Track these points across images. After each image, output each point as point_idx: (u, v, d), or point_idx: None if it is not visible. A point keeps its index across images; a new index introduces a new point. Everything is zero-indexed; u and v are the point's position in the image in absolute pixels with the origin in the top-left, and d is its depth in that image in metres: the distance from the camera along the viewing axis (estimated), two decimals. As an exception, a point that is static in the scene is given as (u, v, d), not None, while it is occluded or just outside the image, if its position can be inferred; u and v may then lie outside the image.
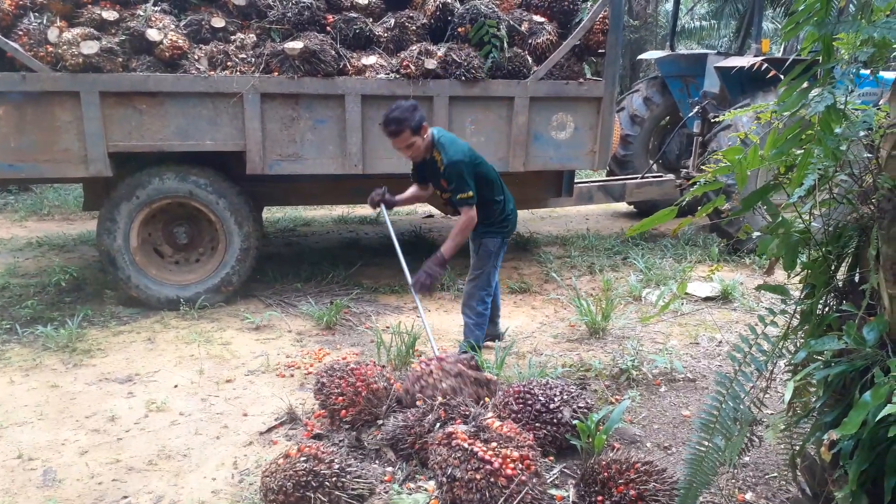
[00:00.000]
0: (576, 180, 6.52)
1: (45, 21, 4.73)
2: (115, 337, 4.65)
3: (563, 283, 5.83)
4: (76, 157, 4.75)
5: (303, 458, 2.74)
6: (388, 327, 4.78)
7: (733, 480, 3.06)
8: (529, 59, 5.47)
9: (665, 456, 3.29)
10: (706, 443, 2.33)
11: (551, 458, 3.20)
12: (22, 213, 8.04)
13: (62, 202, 8.48)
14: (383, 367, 3.86)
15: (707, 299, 5.58)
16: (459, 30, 5.33)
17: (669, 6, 15.72)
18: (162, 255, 5.35)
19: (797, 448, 2.31)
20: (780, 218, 2.13)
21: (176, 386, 3.99)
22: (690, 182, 7.13)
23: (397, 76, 5.12)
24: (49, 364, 4.21)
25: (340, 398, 3.41)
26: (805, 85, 2.01)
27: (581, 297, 5.05)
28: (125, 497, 2.93)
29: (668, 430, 3.55)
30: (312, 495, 2.64)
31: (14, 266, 6.05)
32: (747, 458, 3.20)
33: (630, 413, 3.68)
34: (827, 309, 2.17)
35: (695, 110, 7.30)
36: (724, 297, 5.57)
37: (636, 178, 7.76)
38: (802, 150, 2.06)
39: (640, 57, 11.91)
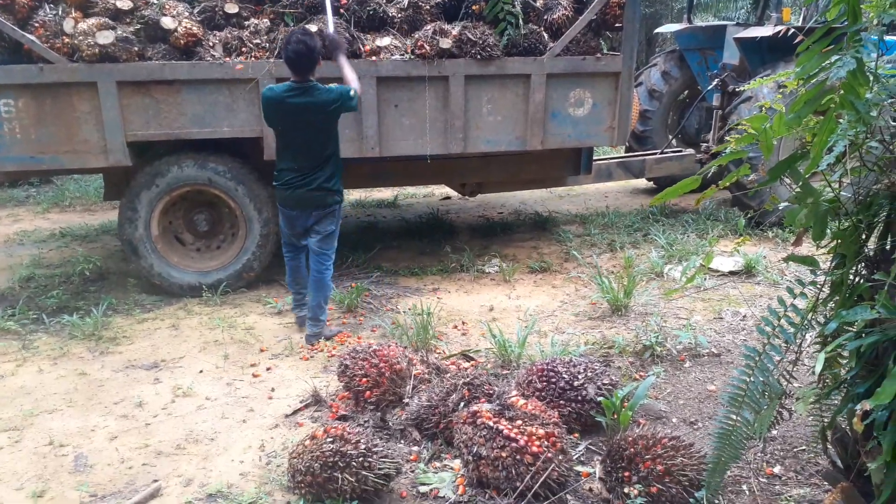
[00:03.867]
0: (594, 157, 6.45)
1: (60, 12, 4.73)
2: (139, 324, 4.70)
3: (584, 262, 5.79)
4: (95, 148, 4.78)
5: (329, 439, 2.75)
6: (409, 309, 4.78)
7: (761, 454, 3.04)
8: (545, 36, 5.39)
9: (691, 431, 3.28)
10: (734, 416, 2.31)
11: (576, 434, 3.20)
12: (44, 205, 8.13)
13: (83, 193, 8.56)
14: (405, 347, 3.87)
15: (730, 273, 5.52)
16: (474, 8, 5.26)
17: (686, -22, 15.41)
18: (183, 242, 5.38)
19: (828, 420, 2.28)
20: (809, 187, 2.08)
21: (201, 371, 4.03)
22: (711, 155, 7.06)
23: (412, 57, 5.07)
24: (76, 352, 4.27)
25: (364, 380, 3.43)
26: (829, 48, 1.95)
27: (602, 275, 5.01)
28: (155, 480, 2.98)
29: (693, 406, 3.53)
30: (339, 475, 2.66)
31: (38, 257, 6.12)
32: (775, 432, 3.18)
33: (655, 389, 3.66)
34: (858, 279, 2.13)
35: (714, 83, 7.17)
36: (748, 272, 5.50)
37: (655, 153, 7.66)
38: (822, 116, 2.00)
39: (657, 30, 11.71)
